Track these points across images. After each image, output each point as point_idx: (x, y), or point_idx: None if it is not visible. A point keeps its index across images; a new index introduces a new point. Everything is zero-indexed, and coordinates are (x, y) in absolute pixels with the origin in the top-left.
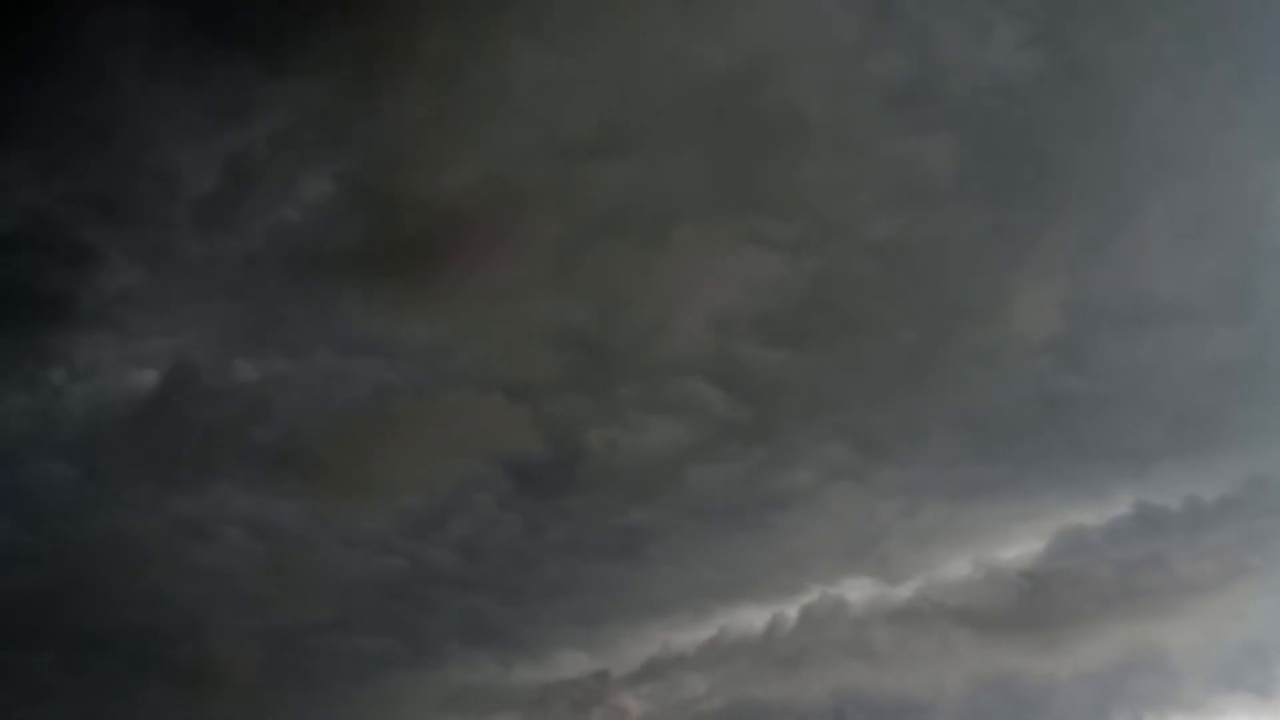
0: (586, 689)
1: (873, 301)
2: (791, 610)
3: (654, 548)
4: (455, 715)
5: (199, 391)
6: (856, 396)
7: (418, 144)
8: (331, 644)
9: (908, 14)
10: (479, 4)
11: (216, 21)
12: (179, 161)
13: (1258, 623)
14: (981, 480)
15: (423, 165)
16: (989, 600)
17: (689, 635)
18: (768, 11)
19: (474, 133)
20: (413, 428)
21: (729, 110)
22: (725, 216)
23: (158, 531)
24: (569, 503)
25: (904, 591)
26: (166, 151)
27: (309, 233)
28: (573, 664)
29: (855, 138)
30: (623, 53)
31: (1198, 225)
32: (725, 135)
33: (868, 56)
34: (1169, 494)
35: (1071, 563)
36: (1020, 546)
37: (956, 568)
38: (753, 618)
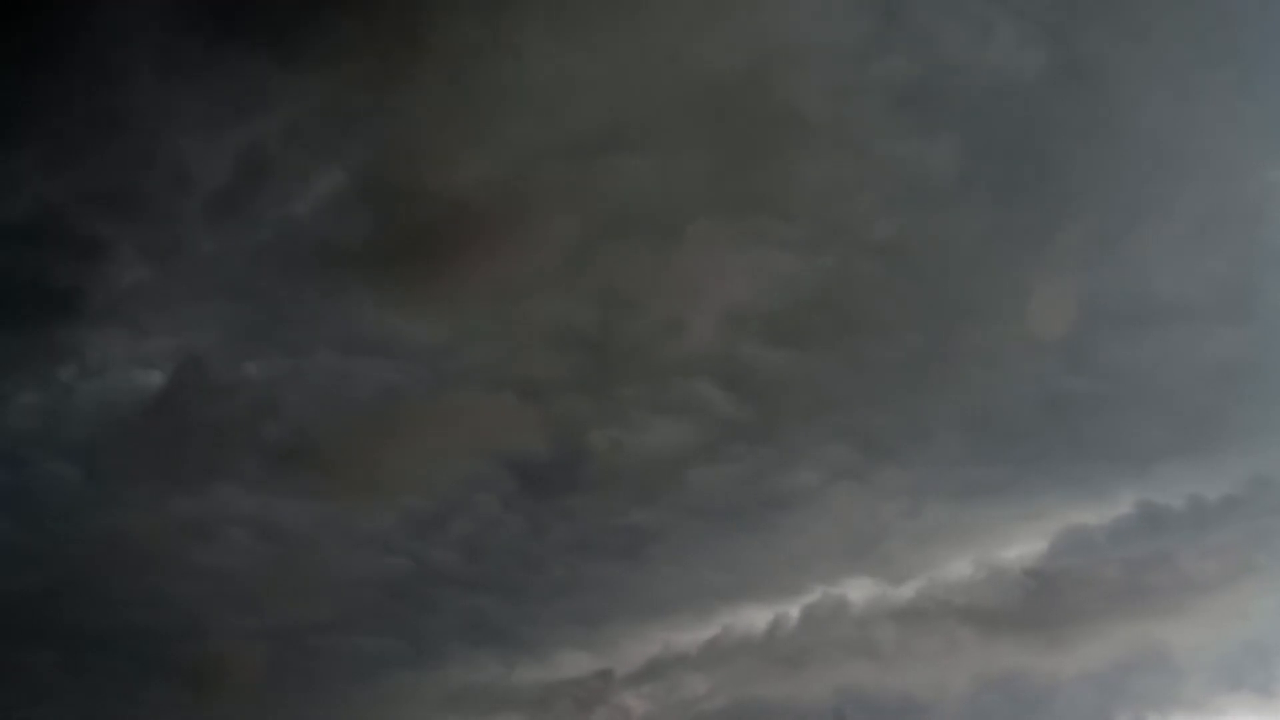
0: (589, 689)
1: (875, 302)
2: (793, 610)
3: (656, 548)
4: (457, 715)
5: (206, 389)
6: (859, 397)
7: (429, 140)
8: (333, 644)
9: (912, 15)
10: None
11: (228, 14)
12: (189, 156)
13: (1261, 622)
14: (984, 480)
15: (434, 161)
16: (991, 600)
17: (691, 635)
18: (774, 12)
19: (486, 129)
20: (417, 427)
21: (734, 109)
22: (736, 215)
23: (159, 531)
24: (572, 503)
25: (906, 591)
26: (177, 146)
27: (319, 229)
28: (575, 664)
29: (858, 138)
30: (634, 50)
31: (1201, 226)
32: (732, 134)
33: (872, 57)
34: (1172, 493)
35: (1074, 562)
36: (1023, 546)
37: (959, 568)
38: (755, 617)
